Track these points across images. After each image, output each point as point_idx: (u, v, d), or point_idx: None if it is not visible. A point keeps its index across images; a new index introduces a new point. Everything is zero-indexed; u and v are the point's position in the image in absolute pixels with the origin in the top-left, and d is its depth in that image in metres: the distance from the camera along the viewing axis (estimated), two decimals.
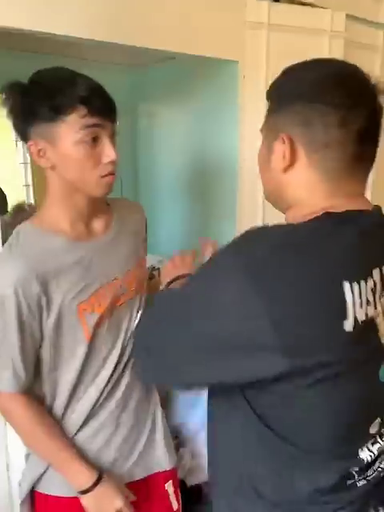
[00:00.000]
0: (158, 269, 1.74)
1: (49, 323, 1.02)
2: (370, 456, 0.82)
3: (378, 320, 0.77)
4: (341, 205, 0.77)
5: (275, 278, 0.69)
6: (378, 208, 0.84)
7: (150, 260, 1.78)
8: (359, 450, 0.81)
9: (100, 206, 1.13)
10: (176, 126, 1.94)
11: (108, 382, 1.13)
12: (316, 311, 0.69)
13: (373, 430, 0.82)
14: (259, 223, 1.70)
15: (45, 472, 1.11)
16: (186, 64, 1.77)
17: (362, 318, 0.72)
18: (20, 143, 2.00)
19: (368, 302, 0.73)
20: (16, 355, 1.01)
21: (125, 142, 2.11)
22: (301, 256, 0.71)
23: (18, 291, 0.96)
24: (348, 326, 0.70)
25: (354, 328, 0.70)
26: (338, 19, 1.69)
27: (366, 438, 0.82)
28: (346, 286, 0.70)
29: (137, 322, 1.17)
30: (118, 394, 1.16)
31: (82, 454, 1.10)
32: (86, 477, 1.06)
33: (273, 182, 0.84)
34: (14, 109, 0.99)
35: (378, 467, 0.84)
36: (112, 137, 1.02)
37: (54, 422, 1.09)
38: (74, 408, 1.11)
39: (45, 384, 1.08)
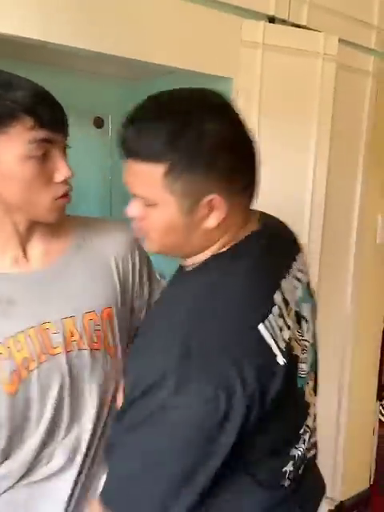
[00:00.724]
0: None
1: None
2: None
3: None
4: (231, 239, 0.79)
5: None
6: (264, 219, 0.86)
7: None
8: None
9: (51, 226, 0.92)
10: None
11: (36, 453, 0.92)
12: (252, 367, 0.69)
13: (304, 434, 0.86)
14: None
15: None
16: (180, 79, 1.78)
17: (284, 345, 0.74)
18: None
19: (281, 328, 0.75)
20: None
21: (118, 155, 2.11)
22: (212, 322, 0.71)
23: None
24: (281, 360, 0.72)
25: (285, 358, 0.73)
26: (330, 42, 1.72)
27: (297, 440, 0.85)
28: (262, 328, 0.71)
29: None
30: (45, 470, 0.93)
31: None
32: None
33: (186, 240, 0.78)
34: None
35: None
36: (64, 151, 0.87)
37: None
38: None
39: None
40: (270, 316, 0.73)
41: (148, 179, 0.72)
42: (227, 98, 0.79)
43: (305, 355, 0.83)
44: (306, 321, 0.87)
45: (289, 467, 0.82)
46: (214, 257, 0.78)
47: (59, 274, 0.92)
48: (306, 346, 0.85)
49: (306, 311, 0.88)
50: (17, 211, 0.86)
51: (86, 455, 0.96)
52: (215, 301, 0.72)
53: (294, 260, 0.88)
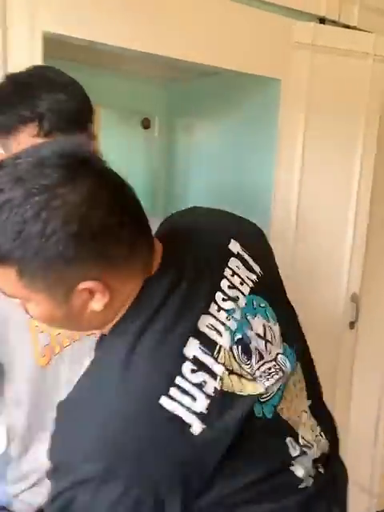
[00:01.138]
0: None
1: None
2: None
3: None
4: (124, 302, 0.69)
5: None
6: (170, 248, 0.74)
7: None
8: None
9: None
10: (213, 142, 1.95)
11: None
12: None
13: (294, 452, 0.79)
14: (291, 239, 1.71)
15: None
16: (226, 79, 1.79)
17: (204, 405, 0.67)
18: None
19: (201, 384, 0.68)
20: None
21: (161, 156, 2.13)
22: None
23: None
24: (197, 428, 0.66)
25: (208, 419, 0.67)
26: (381, 43, 1.69)
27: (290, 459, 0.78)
28: (164, 401, 0.65)
29: None
30: None
31: None
32: None
33: (85, 324, 0.71)
34: None
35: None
36: None
37: None
38: (25, 456, 1.00)
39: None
40: (178, 379, 0.66)
41: (7, 281, 0.63)
42: (75, 154, 0.64)
43: (270, 378, 0.75)
44: (263, 335, 0.77)
45: (300, 474, 0.78)
46: (113, 331, 0.71)
47: None
48: (272, 366, 0.77)
49: (259, 323, 0.77)
50: None
51: None
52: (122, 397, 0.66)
53: (222, 276, 0.77)
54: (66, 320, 0.69)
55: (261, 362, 0.75)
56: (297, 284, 1.67)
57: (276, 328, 0.80)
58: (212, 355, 0.69)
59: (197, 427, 0.65)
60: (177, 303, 0.70)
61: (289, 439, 0.78)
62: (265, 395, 0.74)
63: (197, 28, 1.43)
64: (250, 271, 0.81)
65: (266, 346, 0.77)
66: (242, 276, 0.79)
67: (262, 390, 0.73)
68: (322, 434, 0.87)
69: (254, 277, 0.80)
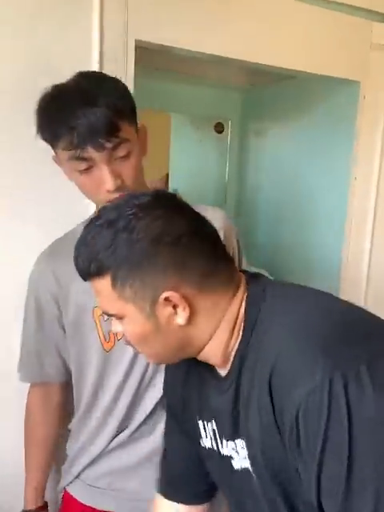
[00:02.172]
0: None
1: (67, 320, 1.04)
2: None
3: None
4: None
5: None
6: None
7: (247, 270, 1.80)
8: None
9: None
10: (285, 146, 1.96)
11: (129, 402, 1.05)
12: None
13: None
14: (368, 234, 1.69)
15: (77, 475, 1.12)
16: (301, 83, 1.80)
17: None
18: None
19: None
20: (31, 345, 1.09)
21: (233, 161, 2.17)
22: None
23: (38, 284, 1.05)
24: None
25: None
26: None
27: None
28: None
29: None
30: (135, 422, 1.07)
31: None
32: (32, 499, 1.13)
33: (172, 342, 0.74)
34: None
35: None
36: (111, 159, 0.92)
37: (52, 432, 1.15)
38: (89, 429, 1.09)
39: (73, 391, 1.10)
40: None
41: (104, 293, 0.71)
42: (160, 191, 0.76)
43: None
44: None
45: None
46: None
47: None
48: None
49: None
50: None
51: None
52: None
53: None
54: (156, 337, 0.72)
55: None
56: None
57: None
58: None
59: None
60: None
61: None
62: None
63: (275, 32, 1.45)
64: None
65: None
66: None
67: None
68: None
69: None
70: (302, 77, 1.67)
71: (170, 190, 2.22)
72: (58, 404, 1.14)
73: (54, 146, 0.94)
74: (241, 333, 0.72)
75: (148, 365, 1.02)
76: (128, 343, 0.77)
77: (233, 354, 0.73)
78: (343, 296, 1.05)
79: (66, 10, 1.15)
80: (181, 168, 2.23)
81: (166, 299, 0.68)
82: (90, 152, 0.90)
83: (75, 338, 1.05)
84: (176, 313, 0.69)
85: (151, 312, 0.70)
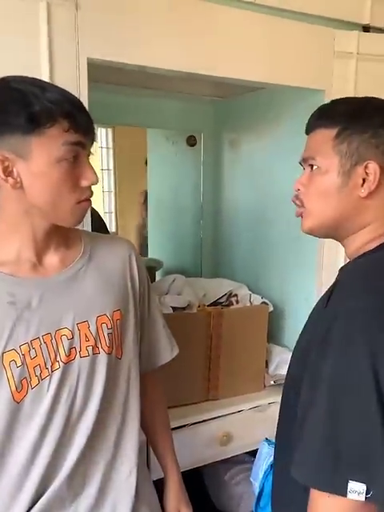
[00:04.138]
0: (236, 295, 1.73)
1: None
2: None
3: None
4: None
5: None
6: None
7: (227, 286, 1.79)
8: None
9: (64, 236, 0.95)
10: (259, 156, 1.95)
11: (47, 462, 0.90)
12: None
13: None
14: (341, 256, 1.66)
15: None
16: (269, 94, 1.80)
17: None
18: (105, 170, 2.11)
19: None
20: None
21: (208, 172, 2.16)
22: None
23: None
24: None
25: None
26: None
27: None
28: None
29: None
30: (56, 484, 0.91)
31: None
32: None
33: (343, 209, 0.86)
34: None
35: None
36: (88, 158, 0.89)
37: None
38: None
39: None
40: None
41: (323, 139, 0.86)
42: None
43: None
44: None
45: None
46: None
47: (74, 279, 0.93)
48: None
49: None
50: (38, 214, 0.87)
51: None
52: None
53: None
54: (335, 196, 0.85)
55: None
56: None
57: None
58: None
59: None
60: None
61: None
62: None
63: (241, 46, 1.44)
64: None
65: None
66: None
67: None
68: None
69: None
70: (270, 88, 1.67)
71: (149, 206, 2.21)
72: None
73: (40, 126, 0.80)
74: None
75: (70, 416, 0.91)
76: (298, 199, 0.90)
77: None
78: None
79: (13, 29, 1.15)
80: (158, 183, 2.22)
81: (366, 167, 0.83)
82: (86, 140, 0.86)
83: None
84: (363, 184, 0.83)
85: (348, 172, 0.83)
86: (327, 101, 1.53)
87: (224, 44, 1.42)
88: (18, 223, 0.87)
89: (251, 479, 1.33)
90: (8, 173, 0.82)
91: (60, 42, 1.18)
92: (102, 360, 0.94)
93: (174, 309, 1.58)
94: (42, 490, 0.91)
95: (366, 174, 0.83)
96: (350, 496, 0.70)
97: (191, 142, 2.05)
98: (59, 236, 0.93)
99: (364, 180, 0.83)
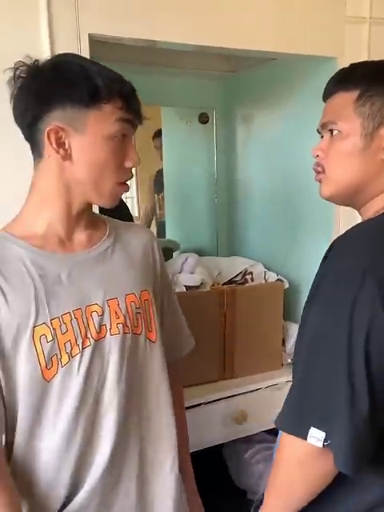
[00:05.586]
0: (251, 272, 1.71)
1: None
2: None
3: None
4: None
5: None
6: None
7: (242, 264, 1.76)
8: None
9: (90, 217, 0.95)
10: (272, 130, 1.91)
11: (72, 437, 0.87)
12: None
13: None
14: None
15: None
16: (280, 65, 1.74)
17: None
18: None
19: None
20: None
21: (222, 148, 2.12)
22: None
23: None
24: None
25: None
26: None
27: None
28: None
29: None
30: (95, 459, 0.89)
31: None
32: None
33: (364, 172, 0.85)
34: (32, 87, 0.84)
35: None
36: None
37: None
38: (33, 469, 0.87)
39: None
40: None
41: (343, 103, 0.85)
42: None
43: None
44: None
45: None
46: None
47: (102, 257, 0.93)
48: None
49: None
50: (77, 190, 0.88)
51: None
52: None
53: None
54: (358, 158, 0.84)
55: None
56: None
57: None
58: None
59: None
60: None
61: None
62: None
63: (250, 15, 1.40)
64: None
65: None
66: None
67: None
68: None
69: None
70: (281, 58, 1.62)
71: (165, 187, 2.19)
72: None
73: (99, 100, 0.82)
74: None
75: (103, 391, 0.88)
76: (319, 165, 0.90)
77: None
78: None
79: (12, 8, 1.13)
80: (173, 164, 2.20)
81: None
82: (135, 120, 0.88)
83: (8, 366, 0.83)
84: None
85: (371, 134, 0.83)
86: (340, 69, 1.52)
87: (232, 14, 1.38)
88: (54, 197, 0.88)
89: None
90: (60, 144, 0.84)
91: (60, 16, 1.17)
92: (133, 340, 0.93)
93: (188, 288, 1.57)
94: (76, 484, 0.89)
95: None
96: (309, 440, 0.74)
97: (203, 119, 2.02)
98: (88, 216, 0.94)
99: None
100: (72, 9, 1.18)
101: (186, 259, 1.64)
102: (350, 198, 0.89)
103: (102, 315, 0.89)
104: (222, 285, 1.67)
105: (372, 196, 0.87)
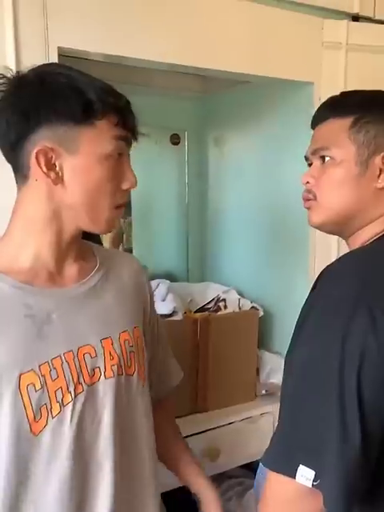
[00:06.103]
0: (224, 299, 1.65)
1: None
2: None
3: None
4: None
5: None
6: None
7: (215, 290, 1.71)
8: None
9: (83, 246, 0.87)
10: (247, 154, 1.87)
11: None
12: None
13: None
14: (334, 256, 1.57)
15: None
16: (257, 88, 1.72)
17: None
18: None
19: None
20: None
21: (194, 172, 2.07)
22: None
23: None
24: None
25: None
26: None
27: None
28: None
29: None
30: None
31: None
32: None
33: (357, 200, 0.84)
34: (15, 102, 0.75)
35: None
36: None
37: None
38: None
39: None
40: None
41: (337, 129, 0.84)
42: None
43: None
44: None
45: None
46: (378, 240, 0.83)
47: (93, 292, 0.85)
48: None
49: None
50: (69, 216, 0.79)
51: None
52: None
53: None
54: (351, 186, 0.83)
55: None
56: None
57: None
58: None
59: None
60: None
61: None
62: None
63: (224, 35, 1.36)
64: None
65: None
66: None
67: None
68: None
69: None
70: (256, 81, 1.58)
71: (132, 209, 2.11)
72: None
73: (92, 117, 0.74)
74: None
75: (98, 439, 0.79)
76: (310, 192, 0.87)
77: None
78: None
79: None
80: (142, 185, 2.12)
81: (383, 157, 0.81)
82: (131, 136, 0.81)
83: None
84: (380, 175, 0.81)
85: (365, 162, 0.82)
86: (317, 94, 1.50)
87: (207, 33, 1.34)
88: (42, 224, 0.78)
89: (253, 492, 1.27)
90: (50, 166, 0.75)
91: (27, 29, 1.09)
92: (126, 381, 0.85)
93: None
94: None
95: (380, 169, 0.82)
96: (298, 479, 0.70)
97: (174, 140, 1.96)
98: (78, 246, 0.85)
99: (381, 171, 0.82)
100: (41, 21, 1.10)
101: (157, 285, 1.57)
102: (340, 226, 0.88)
103: (96, 357, 0.81)
104: (194, 312, 1.60)
105: (362, 225, 0.85)
